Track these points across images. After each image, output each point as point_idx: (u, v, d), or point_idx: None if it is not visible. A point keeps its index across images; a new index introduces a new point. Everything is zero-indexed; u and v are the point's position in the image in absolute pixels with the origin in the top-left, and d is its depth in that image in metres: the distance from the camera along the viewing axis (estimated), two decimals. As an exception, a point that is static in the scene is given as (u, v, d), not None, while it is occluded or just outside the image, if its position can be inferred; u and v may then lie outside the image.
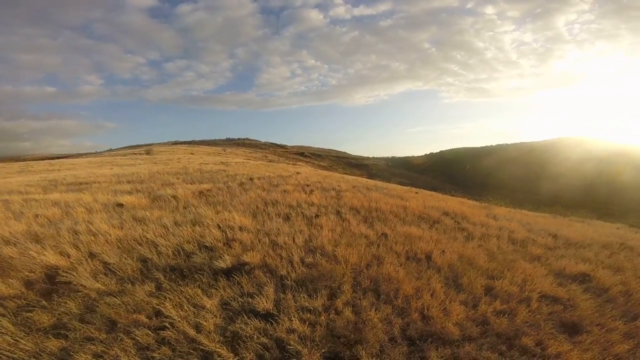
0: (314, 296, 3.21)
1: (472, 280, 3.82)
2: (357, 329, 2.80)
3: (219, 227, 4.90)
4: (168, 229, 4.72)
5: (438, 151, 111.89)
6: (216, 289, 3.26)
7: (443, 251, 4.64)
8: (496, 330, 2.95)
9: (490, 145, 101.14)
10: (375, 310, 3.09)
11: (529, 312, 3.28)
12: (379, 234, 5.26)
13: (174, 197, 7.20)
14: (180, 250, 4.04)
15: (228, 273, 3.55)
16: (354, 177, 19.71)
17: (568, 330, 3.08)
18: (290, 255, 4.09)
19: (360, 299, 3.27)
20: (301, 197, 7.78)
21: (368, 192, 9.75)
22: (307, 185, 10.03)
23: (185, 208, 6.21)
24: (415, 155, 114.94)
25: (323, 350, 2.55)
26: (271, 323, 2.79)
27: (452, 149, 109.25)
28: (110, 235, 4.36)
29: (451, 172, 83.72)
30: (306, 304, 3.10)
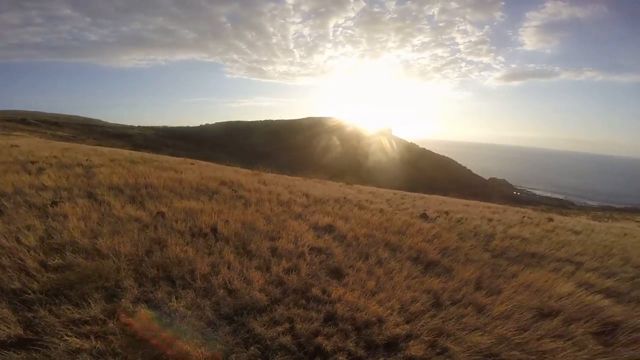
0: (84, 304, 2.50)
1: (259, 245, 4.07)
2: (166, 324, 2.44)
3: None
4: None
5: (214, 122, 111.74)
6: None
7: (227, 221, 4.68)
8: (292, 287, 3.30)
9: (260, 120, 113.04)
10: (176, 299, 2.75)
11: (307, 265, 3.84)
12: (154, 214, 4.58)
13: None
14: None
15: None
16: (112, 149, 16.07)
17: (336, 276, 3.70)
18: (20, 261, 2.90)
19: (152, 292, 2.82)
20: (22, 179, 5.44)
21: (133, 166, 8.28)
22: (33, 162, 7.16)
23: None
24: (191, 125, 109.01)
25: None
26: (37, 350, 2.11)
27: (228, 122, 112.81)
28: None
29: (227, 143, 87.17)
30: (77, 315, 2.39)
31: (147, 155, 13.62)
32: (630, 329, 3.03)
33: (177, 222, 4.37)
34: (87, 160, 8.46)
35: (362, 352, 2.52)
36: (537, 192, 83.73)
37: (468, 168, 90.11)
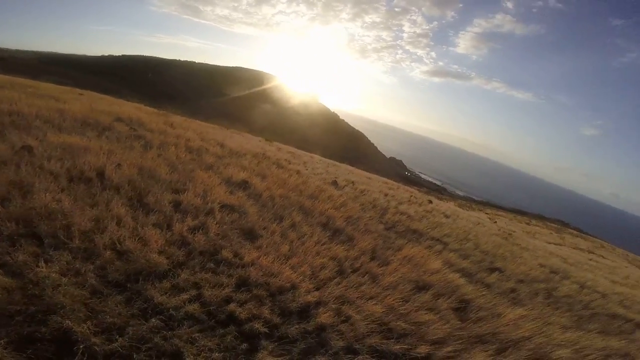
0: None
1: (158, 198, 3.57)
2: (34, 296, 1.94)
3: None
4: None
5: (121, 54, 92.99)
6: None
7: (119, 165, 4.01)
8: (198, 248, 2.99)
9: (179, 59, 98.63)
10: (46, 263, 2.19)
11: (217, 224, 3.53)
12: (18, 148, 3.59)
13: None
14: None
15: None
16: (-29, 73, 11.90)
17: (249, 237, 3.54)
18: None
19: (10, 254, 2.20)
20: None
21: (-3, 91, 6.29)
22: None
23: None
24: (92, 55, 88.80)
25: (5, 340, 1.69)
26: None
27: (138, 55, 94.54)
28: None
29: (132, 78, 73.89)
30: None
31: (19, 80, 10.47)
32: (477, 308, 3.72)
33: (49, 160, 3.52)
34: None
35: (278, 319, 2.50)
36: (423, 176, 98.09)
37: (375, 145, 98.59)
